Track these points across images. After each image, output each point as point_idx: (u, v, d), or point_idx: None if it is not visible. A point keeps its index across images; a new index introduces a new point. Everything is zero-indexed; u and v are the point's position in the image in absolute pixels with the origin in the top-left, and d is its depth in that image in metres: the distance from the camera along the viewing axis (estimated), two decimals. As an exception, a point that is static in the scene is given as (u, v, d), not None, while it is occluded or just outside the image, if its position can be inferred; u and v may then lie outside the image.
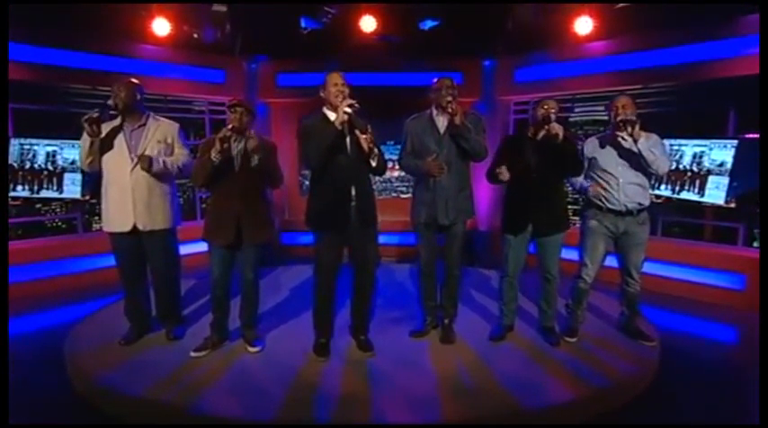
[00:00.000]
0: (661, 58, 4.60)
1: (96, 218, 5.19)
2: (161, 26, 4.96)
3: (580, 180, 3.14)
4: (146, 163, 2.80)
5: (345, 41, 5.47)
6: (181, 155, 3.02)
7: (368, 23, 5.13)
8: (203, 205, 6.13)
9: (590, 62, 5.15)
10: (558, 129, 2.81)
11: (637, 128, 2.78)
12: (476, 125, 2.95)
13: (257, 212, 2.92)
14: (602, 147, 3.06)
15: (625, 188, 2.97)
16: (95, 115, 2.71)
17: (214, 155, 2.68)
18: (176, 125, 3.06)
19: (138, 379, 2.67)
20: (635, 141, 2.83)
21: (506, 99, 5.98)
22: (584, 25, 4.92)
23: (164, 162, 2.90)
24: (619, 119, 2.86)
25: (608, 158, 3.02)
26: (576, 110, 5.55)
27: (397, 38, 5.54)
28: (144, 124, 2.94)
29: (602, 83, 5.06)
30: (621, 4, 4.75)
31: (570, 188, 3.30)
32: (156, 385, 2.62)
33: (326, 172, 2.77)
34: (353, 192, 2.78)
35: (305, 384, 2.65)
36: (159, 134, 2.94)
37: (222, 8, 5.41)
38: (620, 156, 2.99)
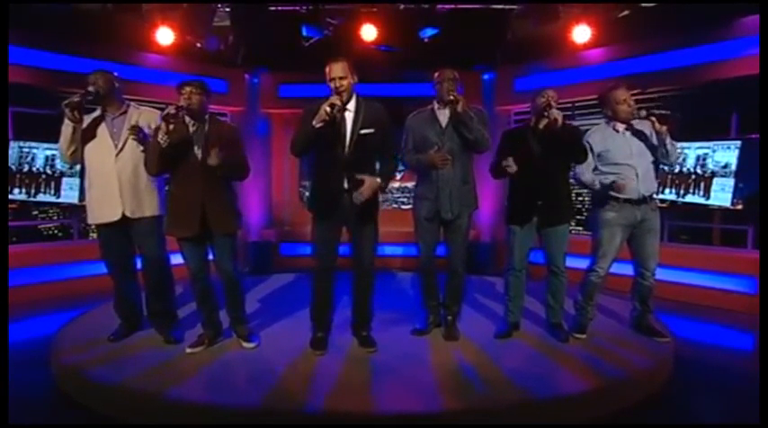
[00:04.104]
0: (661, 62, 4.62)
1: (93, 226, 5.08)
2: (164, 35, 5.02)
3: (590, 176, 3.02)
4: (137, 132, 2.73)
5: (346, 53, 5.53)
6: None
7: (368, 32, 5.19)
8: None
9: (590, 69, 5.18)
10: (557, 114, 2.78)
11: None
12: (478, 117, 2.91)
13: (222, 200, 2.77)
14: (611, 139, 2.99)
15: (642, 177, 2.92)
16: (77, 100, 2.67)
17: (161, 137, 2.53)
18: (157, 112, 3.00)
19: (121, 371, 2.55)
20: (662, 137, 2.83)
21: (506, 109, 6.00)
22: (582, 33, 4.97)
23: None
24: (657, 113, 2.82)
25: (621, 151, 2.95)
26: (577, 118, 5.54)
27: (398, 48, 5.60)
28: (125, 112, 2.90)
29: (602, 89, 5.06)
30: (623, 13, 4.82)
31: (576, 182, 3.20)
32: (138, 375, 2.50)
33: (324, 160, 2.73)
34: (346, 185, 2.69)
35: (298, 374, 2.53)
36: (142, 121, 2.89)
37: (225, 23, 5.51)
38: (633, 146, 2.95)
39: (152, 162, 2.66)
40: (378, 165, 2.83)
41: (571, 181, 3.14)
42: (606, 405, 2.45)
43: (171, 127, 2.54)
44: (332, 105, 2.50)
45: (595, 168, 3.04)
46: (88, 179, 2.90)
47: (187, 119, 2.71)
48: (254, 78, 6.17)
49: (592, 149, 3.02)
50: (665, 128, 2.81)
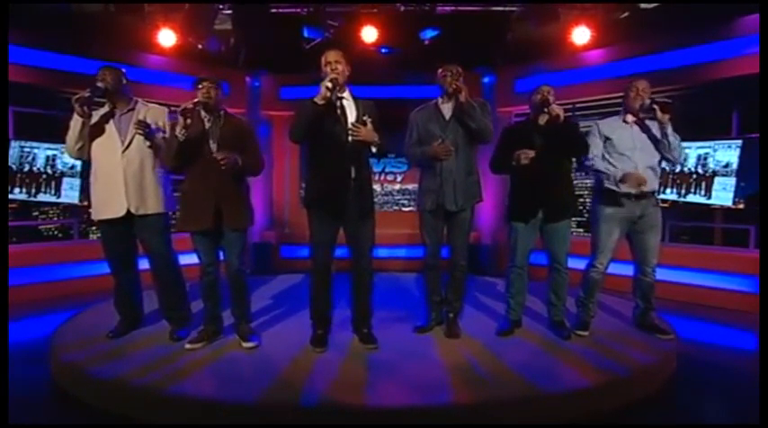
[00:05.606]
0: (661, 62, 4.62)
1: (94, 228, 5.07)
2: (166, 37, 5.04)
3: (602, 165, 3.02)
4: (143, 127, 2.73)
5: (348, 55, 5.55)
6: None
7: (369, 34, 5.21)
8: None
9: (590, 70, 5.19)
10: (558, 110, 2.80)
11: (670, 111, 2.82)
12: (481, 108, 2.92)
13: (236, 195, 2.79)
14: (619, 128, 3.01)
15: (642, 172, 2.91)
16: (87, 95, 2.68)
17: (179, 130, 2.57)
18: (165, 109, 3.02)
19: (120, 368, 2.52)
20: (663, 125, 2.83)
21: (506, 110, 5.99)
22: (582, 34, 4.98)
23: (163, 137, 2.84)
24: (660, 101, 2.84)
25: (625, 142, 2.96)
26: (578, 119, 5.54)
27: (399, 49, 5.62)
28: (133, 109, 2.90)
29: (603, 90, 5.06)
30: (623, 14, 4.85)
31: (588, 169, 3.20)
32: (137, 371, 2.47)
33: (327, 151, 2.72)
34: (353, 174, 2.71)
35: (298, 370, 2.51)
36: (149, 118, 2.88)
37: (227, 26, 5.53)
38: (637, 140, 2.95)
39: (170, 156, 2.70)
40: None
41: (573, 175, 3.13)
42: (609, 402, 2.42)
43: (188, 121, 2.58)
44: (332, 80, 2.54)
45: (603, 157, 3.04)
46: (94, 175, 2.90)
47: (203, 114, 2.74)
48: (255, 80, 6.19)
49: (602, 135, 3.03)
50: (666, 116, 2.82)
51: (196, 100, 2.65)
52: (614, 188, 2.96)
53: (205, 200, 2.71)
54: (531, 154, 2.81)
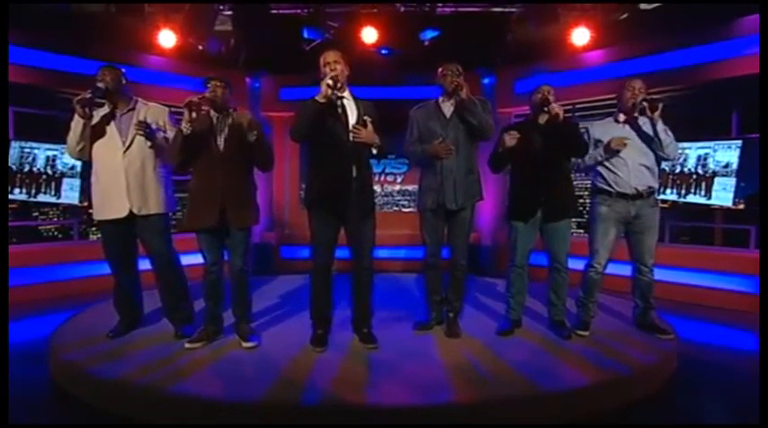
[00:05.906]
0: (661, 63, 4.63)
1: (94, 228, 5.06)
2: (167, 37, 5.04)
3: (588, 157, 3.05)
4: (144, 128, 2.73)
5: (347, 55, 5.55)
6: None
7: (369, 35, 5.22)
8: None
9: (590, 71, 5.20)
10: (557, 109, 2.81)
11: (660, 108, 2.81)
12: (482, 105, 2.93)
13: (242, 193, 2.80)
14: (611, 128, 3.04)
15: (634, 170, 2.92)
16: (88, 96, 2.68)
17: (184, 125, 2.57)
18: (165, 109, 3.02)
19: (120, 367, 2.52)
20: (653, 122, 2.84)
21: (506, 111, 6.00)
22: (581, 35, 4.99)
23: (164, 137, 2.85)
24: (649, 98, 2.86)
25: None
26: (578, 120, 5.54)
27: (399, 50, 5.63)
28: (133, 108, 2.90)
29: (603, 90, 5.06)
30: (623, 16, 4.86)
31: (582, 172, 3.22)
32: (136, 371, 2.47)
33: (328, 151, 2.72)
34: (354, 173, 2.71)
35: (297, 370, 2.51)
36: (149, 117, 2.89)
37: (227, 27, 5.54)
38: (629, 138, 2.95)
39: (174, 151, 2.69)
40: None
41: (573, 175, 3.15)
42: (609, 401, 2.42)
43: (194, 115, 2.58)
44: (333, 78, 2.54)
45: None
46: (95, 175, 2.90)
47: (211, 112, 2.75)
48: (255, 81, 6.20)
49: (592, 138, 3.06)
50: (656, 113, 2.82)
51: (201, 96, 2.65)
52: (608, 188, 2.98)
53: (211, 198, 2.72)
54: (517, 135, 2.83)
